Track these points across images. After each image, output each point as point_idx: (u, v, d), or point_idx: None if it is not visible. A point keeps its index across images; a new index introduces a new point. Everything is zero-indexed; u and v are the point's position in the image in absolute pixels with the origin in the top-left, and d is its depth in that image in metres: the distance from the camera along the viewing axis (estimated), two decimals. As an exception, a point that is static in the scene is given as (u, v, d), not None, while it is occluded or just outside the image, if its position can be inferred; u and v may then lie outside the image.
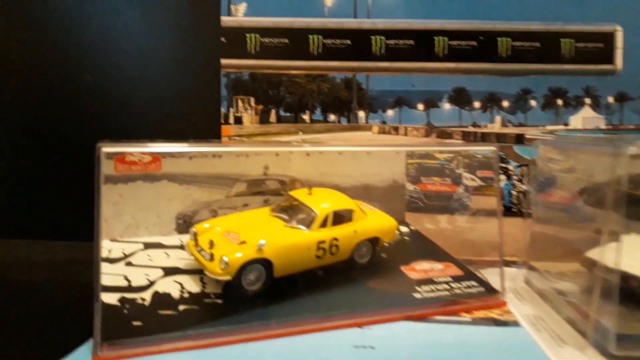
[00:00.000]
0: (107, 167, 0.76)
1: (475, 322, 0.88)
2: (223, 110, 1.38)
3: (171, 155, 1.00)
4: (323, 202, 0.99)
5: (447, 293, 0.95)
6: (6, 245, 1.33)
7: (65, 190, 1.37)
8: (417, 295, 0.92)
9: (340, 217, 0.99)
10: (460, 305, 0.92)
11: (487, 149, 1.03)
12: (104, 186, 0.74)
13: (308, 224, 0.96)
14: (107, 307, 0.79)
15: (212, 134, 1.52)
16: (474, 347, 0.80)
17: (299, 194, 1.02)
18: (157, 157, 0.93)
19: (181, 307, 0.82)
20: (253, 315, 0.82)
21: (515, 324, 0.87)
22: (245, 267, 0.86)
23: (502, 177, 1.18)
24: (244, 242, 0.89)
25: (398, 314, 0.87)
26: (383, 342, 0.80)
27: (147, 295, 0.85)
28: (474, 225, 1.20)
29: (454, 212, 1.25)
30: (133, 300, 0.83)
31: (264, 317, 0.82)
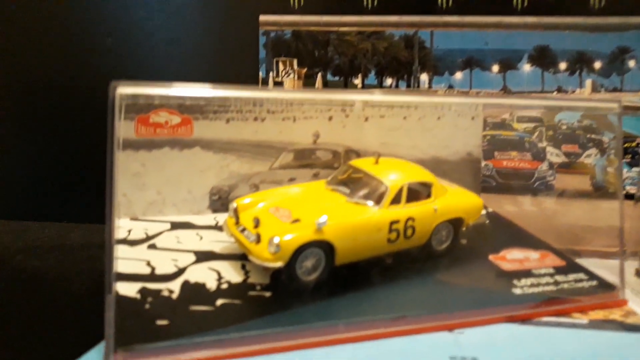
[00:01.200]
0: (126, 130, 0.68)
1: (595, 325, 0.79)
2: (261, 74, 1.34)
3: (205, 117, 0.97)
4: (394, 173, 0.91)
5: (552, 288, 0.86)
6: (14, 227, 1.32)
7: (81, 167, 1.35)
8: (516, 291, 0.84)
9: (416, 193, 0.91)
10: (571, 304, 0.83)
11: (609, 105, 0.92)
12: (122, 153, 0.66)
13: (377, 199, 0.87)
14: (123, 300, 0.72)
15: (249, 101, 1.49)
16: (606, 358, 0.70)
17: (363, 164, 0.94)
18: (187, 118, 0.86)
19: (219, 302, 0.75)
20: (310, 313, 0.74)
21: (649, 329, 0.78)
22: (301, 250, 0.78)
23: (593, 150, 1.12)
24: (297, 221, 0.81)
25: (497, 315, 0.78)
26: (486, 352, 0.70)
27: (175, 286, 0.78)
28: (564, 208, 1.14)
29: (537, 193, 1.18)
30: (157, 292, 0.76)
31: (325, 315, 0.74)
